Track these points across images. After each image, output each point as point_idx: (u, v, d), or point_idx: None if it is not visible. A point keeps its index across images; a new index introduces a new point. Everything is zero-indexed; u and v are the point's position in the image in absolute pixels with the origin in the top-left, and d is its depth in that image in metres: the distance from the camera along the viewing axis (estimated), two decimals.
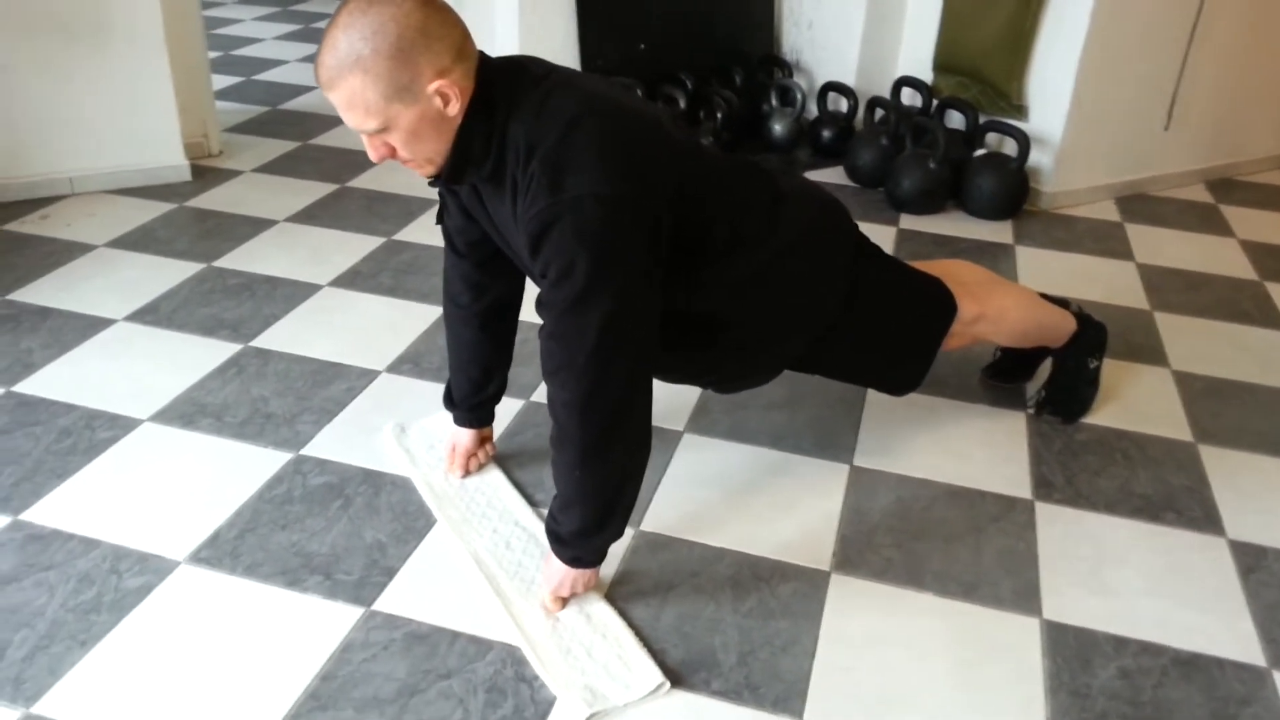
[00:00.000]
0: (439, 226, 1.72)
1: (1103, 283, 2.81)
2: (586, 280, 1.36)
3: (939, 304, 1.83)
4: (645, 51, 3.62)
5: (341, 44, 1.30)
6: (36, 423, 2.02)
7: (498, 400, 1.88)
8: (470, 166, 1.44)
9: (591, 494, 1.50)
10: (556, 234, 1.35)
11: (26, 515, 1.78)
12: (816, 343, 1.77)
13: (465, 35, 1.37)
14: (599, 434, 1.45)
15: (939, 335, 1.84)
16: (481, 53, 1.42)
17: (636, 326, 1.43)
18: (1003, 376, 2.26)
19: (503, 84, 1.41)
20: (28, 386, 2.13)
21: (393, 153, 1.40)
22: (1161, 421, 2.18)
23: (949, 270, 1.94)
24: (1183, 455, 2.08)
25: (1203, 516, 1.90)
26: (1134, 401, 2.25)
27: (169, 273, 2.62)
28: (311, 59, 4.51)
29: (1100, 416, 2.18)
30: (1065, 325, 2.07)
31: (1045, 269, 2.88)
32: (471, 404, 1.85)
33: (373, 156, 1.41)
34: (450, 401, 1.87)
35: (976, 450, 2.06)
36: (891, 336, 1.84)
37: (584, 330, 1.39)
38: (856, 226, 1.82)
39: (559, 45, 3.51)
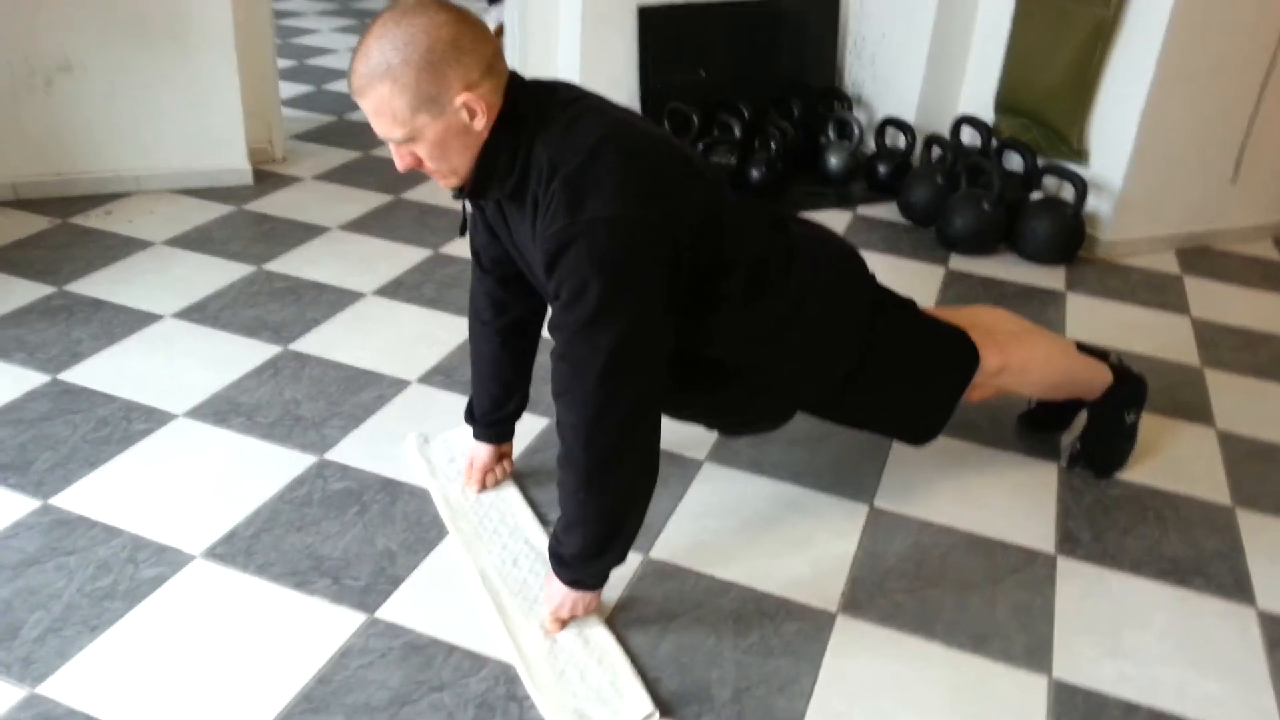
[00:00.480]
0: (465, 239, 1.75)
1: (1153, 336, 2.74)
2: (598, 304, 1.37)
3: (960, 355, 1.80)
4: (705, 79, 3.64)
5: (374, 53, 1.33)
6: (77, 411, 2.08)
7: (517, 417, 1.89)
8: (494, 182, 1.45)
9: (594, 518, 1.50)
10: (572, 255, 1.36)
11: (56, 500, 1.83)
12: (830, 391, 1.76)
13: (496, 52, 1.40)
14: (603, 458, 1.45)
15: (959, 387, 1.81)
16: (513, 72, 1.44)
17: (646, 353, 1.44)
18: (1037, 426, 2.22)
19: (531, 103, 1.43)
20: (73, 375, 2.20)
21: (419, 163, 1.43)
22: (1200, 482, 2.12)
23: (977, 319, 1.91)
24: (1219, 519, 2.01)
25: (1233, 584, 1.84)
26: (1173, 460, 2.18)
27: (220, 273, 2.69)
28: None
29: (1135, 473, 2.12)
30: (1099, 378, 2.02)
31: (1094, 318, 2.82)
32: (491, 420, 1.86)
33: (399, 165, 1.44)
34: (471, 416, 1.89)
35: (1002, 500, 2.02)
36: (908, 388, 1.81)
37: (593, 353, 1.39)
38: (873, 276, 1.80)
39: (620, 70, 3.55)
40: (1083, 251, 3.20)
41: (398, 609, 1.65)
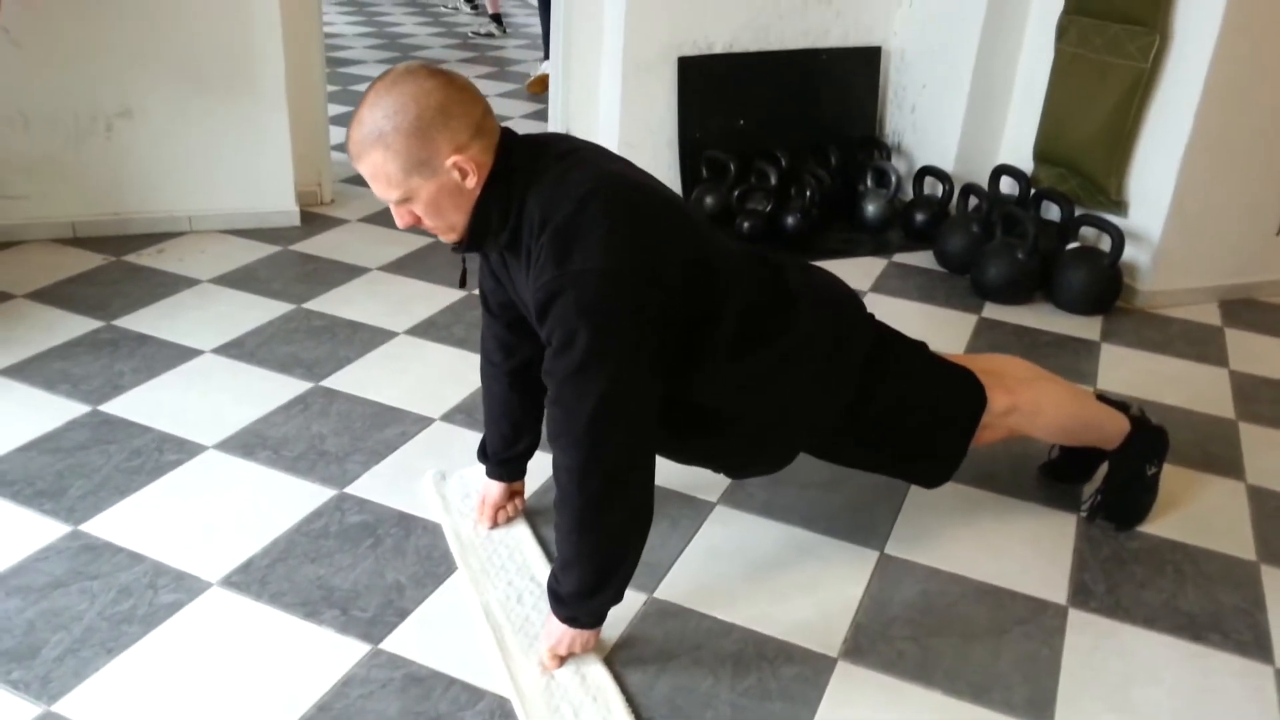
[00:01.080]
0: (470, 287, 1.80)
1: (1188, 388, 2.69)
2: (585, 352, 1.41)
3: (966, 397, 1.80)
4: (744, 127, 3.69)
5: (367, 121, 1.40)
6: (113, 441, 2.16)
7: (529, 456, 1.93)
8: (489, 236, 1.51)
9: (588, 558, 1.52)
10: (560, 305, 1.41)
11: (85, 526, 1.91)
12: (833, 434, 1.77)
13: (485, 112, 1.46)
14: (595, 500, 1.48)
15: (968, 428, 1.81)
16: (505, 129, 1.51)
17: (634, 400, 1.47)
18: (1058, 476, 2.19)
19: (522, 159, 1.48)
20: (112, 407, 2.29)
21: (417, 220, 1.50)
22: (1224, 537, 2.08)
23: (989, 364, 1.91)
24: (1241, 575, 1.97)
25: (1252, 641, 1.80)
26: (1198, 513, 2.14)
27: (260, 311, 2.78)
28: None
29: (1157, 526, 2.09)
30: (1115, 425, 2.00)
31: (1127, 368, 2.78)
32: (502, 458, 1.90)
33: (399, 223, 1.50)
34: (483, 454, 1.94)
35: (1017, 549, 2.00)
36: (912, 430, 1.81)
37: (582, 400, 1.43)
38: (872, 319, 1.81)
39: (659, 119, 3.61)
40: (1121, 302, 3.17)
41: (402, 641, 1.68)
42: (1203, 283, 3.23)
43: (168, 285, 2.91)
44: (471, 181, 1.45)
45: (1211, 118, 2.92)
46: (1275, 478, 2.30)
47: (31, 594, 1.74)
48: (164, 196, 3.22)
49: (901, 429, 1.80)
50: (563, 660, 1.63)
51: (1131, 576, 1.94)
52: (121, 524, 1.92)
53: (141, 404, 2.31)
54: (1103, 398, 2.10)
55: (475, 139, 1.44)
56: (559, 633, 1.60)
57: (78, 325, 2.64)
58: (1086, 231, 3.24)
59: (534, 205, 1.45)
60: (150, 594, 1.75)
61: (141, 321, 2.69)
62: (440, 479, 2.07)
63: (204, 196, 3.26)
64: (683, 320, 1.51)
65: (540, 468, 2.05)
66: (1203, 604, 1.88)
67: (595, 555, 1.52)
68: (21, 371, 2.41)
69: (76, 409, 2.27)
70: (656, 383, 1.49)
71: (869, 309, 1.85)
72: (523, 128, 3.13)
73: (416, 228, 1.53)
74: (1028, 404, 1.85)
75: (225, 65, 3.12)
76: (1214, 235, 3.16)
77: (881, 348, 1.78)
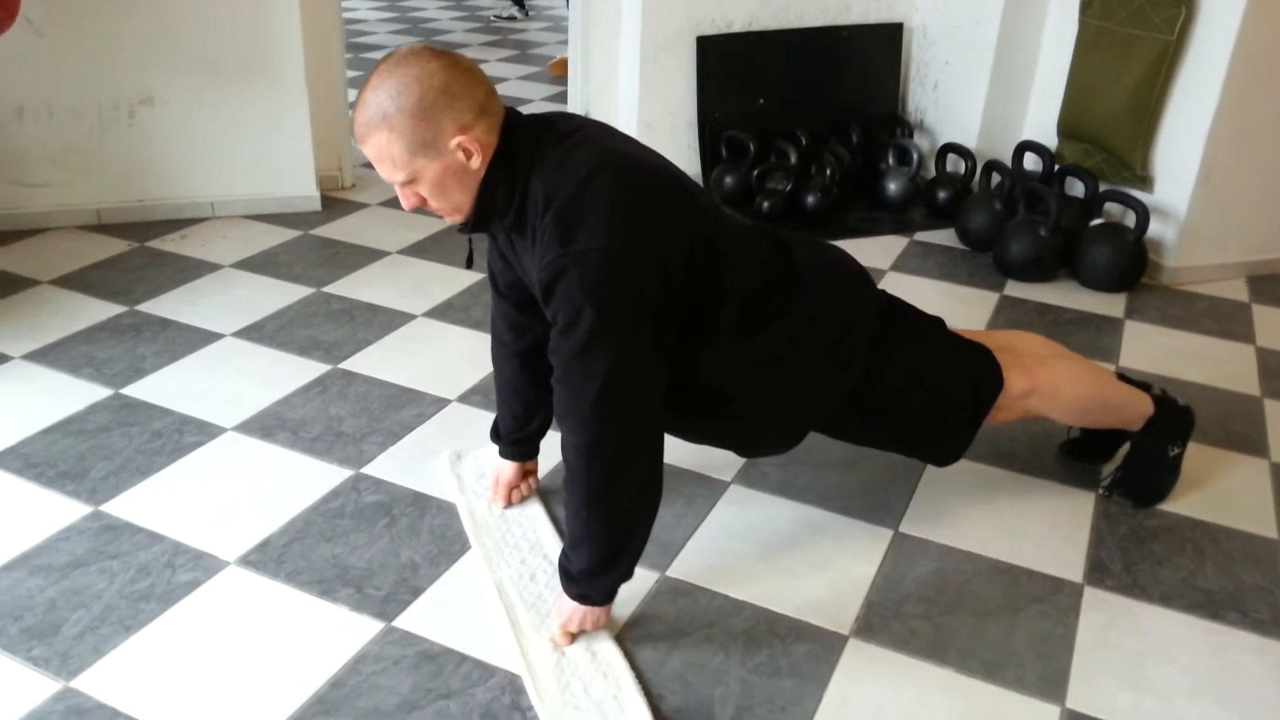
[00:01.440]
0: (478, 267, 1.80)
1: (1213, 364, 2.66)
2: (590, 331, 1.41)
3: (982, 377, 1.78)
4: (763, 106, 3.67)
5: (371, 103, 1.40)
6: (134, 423, 2.19)
7: (541, 436, 1.94)
8: (494, 216, 1.51)
9: (597, 535, 1.53)
10: (565, 284, 1.41)
11: (106, 507, 1.94)
12: (843, 413, 1.76)
13: (489, 94, 1.46)
14: (603, 478, 1.49)
15: (981, 408, 1.79)
16: (509, 109, 1.50)
17: (639, 378, 1.47)
18: (1079, 455, 2.17)
19: (526, 139, 1.48)
20: (134, 390, 2.32)
21: (423, 202, 1.50)
22: (1246, 515, 2.05)
23: (1007, 340, 1.89)
24: (1262, 553, 1.94)
25: (1270, 620, 1.78)
26: (1219, 491, 2.12)
27: (281, 294, 2.81)
28: None
29: (1177, 504, 2.06)
30: (1138, 407, 1.97)
31: (1150, 345, 2.74)
32: (515, 438, 1.91)
33: (405, 205, 1.50)
34: (496, 435, 1.95)
35: (1034, 527, 1.98)
36: (923, 409, 1.80)
37: (588, 379, 1.43)
38: (883, 296, 1.80)
39: (678, 98, 3.60)
40: (1146, 278, 3.12)
41: (415, 619, 1.70)
42: (1230, 258, 3.18)
43: (190, 270, 2.94)
44: (476, 162, 1.45)
45: (1238, 91, 2.86)
46: None
47: (53, 573, 1.77)
48: (187, 183, 3.25)
49: (911, 408, 1.79)
50: (574, 637, 1.63)
51: (1150, 554, 1.92)
52: (141, 505, 1.95)
53: (163, 387, 2.34)
54: (1124, 378, 2.07)
55: (479, 119, 1.44)
56: (570, 610, 1.61)
57: (101, 310, 2.68)
58: (1111, 207, 3.20)
59: (538, 185, 1.45)
60: (169, 573, 1.78)
61: (164, 306, 2.72)
62: (455, 459, 2.09)
63: (226, 182, 3.29)
64: (688, 299, 1.50)
65: (554, 447, 2.06)
66: (1221, 582, 1.86)
67: (604, 533, 1.52)
68: (46, 356, 2.45)
69: (99, 392, 2.31)
70: (662, 361, 1.49)
71: (889, 287, 1.84)
72: (544, 110, 3.15)
73: (423, 209, 1.53)
74: (1046, 386, 1.83)
75: (246, 51, 3.14)
76: (1241, 210, 3.10)
77: (892, 326, 1.76)
